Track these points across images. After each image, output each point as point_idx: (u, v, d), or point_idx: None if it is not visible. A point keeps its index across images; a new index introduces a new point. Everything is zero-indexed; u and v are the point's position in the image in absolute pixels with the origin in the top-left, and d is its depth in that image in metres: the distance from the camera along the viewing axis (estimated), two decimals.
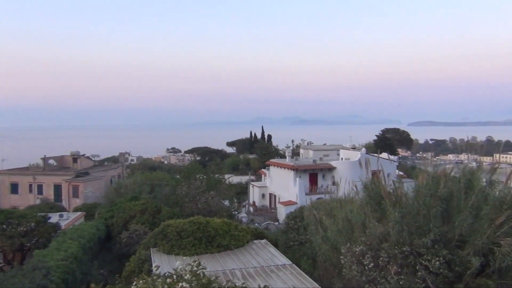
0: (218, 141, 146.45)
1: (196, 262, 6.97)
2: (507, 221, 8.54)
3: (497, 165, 9.85)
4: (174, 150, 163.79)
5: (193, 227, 13.81)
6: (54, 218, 22.26)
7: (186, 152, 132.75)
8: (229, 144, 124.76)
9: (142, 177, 37.39)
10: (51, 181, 47.46)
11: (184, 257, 12.91)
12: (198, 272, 6.68)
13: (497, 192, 9.27)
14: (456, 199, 9.35)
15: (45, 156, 52.89)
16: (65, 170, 50.85)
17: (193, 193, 25.73)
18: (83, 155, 58.75)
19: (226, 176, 42.99)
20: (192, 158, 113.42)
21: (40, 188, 47.87)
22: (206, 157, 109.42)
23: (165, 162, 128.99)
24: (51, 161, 53.65)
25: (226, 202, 31.73)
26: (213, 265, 12.16)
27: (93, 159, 66.72)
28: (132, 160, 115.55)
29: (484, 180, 9.80)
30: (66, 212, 28.33)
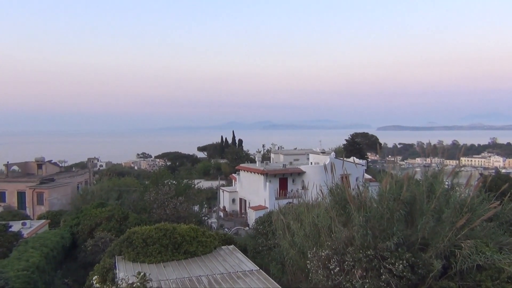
0: (189, 146, 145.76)
1: (141, 274, 6.83)
2: (468, 224, 8.70)
3: (458, 169, 10.04)
4: (145, 155, 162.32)
5: (159, 234, 13.59)
6: (16, 226, 21.54)
7: (156, 157, 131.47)
8: (200, 149, 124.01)
9: (109, 183, 36.68)
10: (14, 188, 45.96)
11: (150, 265, 12.69)
12: (134, 286, 6.53)
13: (458, 195, 9.44)
14: (419, 203, 9.47)
15: (7, 162, 51.26)
16: (29, 177, 49.39)
17: (162, 199, 25.37)
18: (49, 161, 57.21)
19: (196, 181, 42.59)
20: (162, 163, 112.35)
21: (2, 196, 46.32)
22: (177, 162, 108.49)
23: (135, 167, 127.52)
24: (15, 168, 52.03)
25: (196, 208, 31.42)
26: (180, 272, 11.98)
27: (60, 165, 65.07)
28: (101, 165, 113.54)
29: (446, 183, 9.97)
30: (29, 220, 27.46)
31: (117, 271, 12.34)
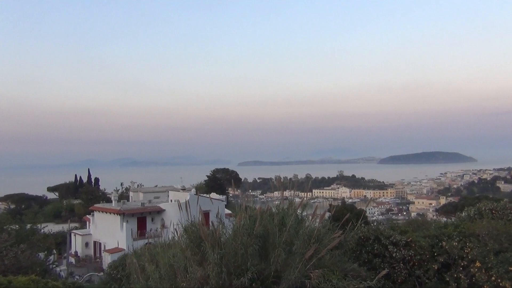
0: (38, 187, 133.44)
1: None
2: (316, 254, 9.06)
3: (306, 200, 10.53)
4: None
5: None
6: None
7: None
8: (51, 189, 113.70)
9: None
10: None
11: None
12: None
13: (307, 226, 9.85)
14: (271, 236, 9.65)
15: None
16: None
17: None
18: None
19: (43, 225, 38.66)
20: (5, 206, 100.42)
21: None
22: (23, 204, 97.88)
23: None
24: None
25: (42, 255, 28.31)
26: None
27: None
28: None
29: (297, 215, 10.35)
30: None
31: None
